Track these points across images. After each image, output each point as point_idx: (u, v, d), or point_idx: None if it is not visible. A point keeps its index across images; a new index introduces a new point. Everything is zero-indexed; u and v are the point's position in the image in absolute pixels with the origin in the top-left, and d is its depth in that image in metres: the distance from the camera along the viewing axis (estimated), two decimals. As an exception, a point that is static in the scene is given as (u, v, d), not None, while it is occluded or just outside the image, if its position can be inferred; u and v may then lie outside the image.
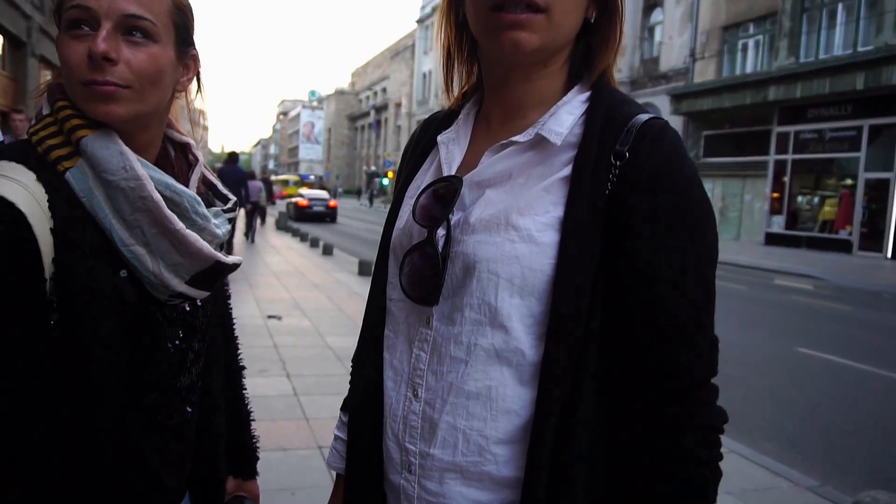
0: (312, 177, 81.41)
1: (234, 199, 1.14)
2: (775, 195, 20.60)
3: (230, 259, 1.04)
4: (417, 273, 0.90)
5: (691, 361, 0.81)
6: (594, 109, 0.87)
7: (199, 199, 1.00)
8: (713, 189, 23.74)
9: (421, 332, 0.91)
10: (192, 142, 1.11)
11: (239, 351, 1.34)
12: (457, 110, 1.03)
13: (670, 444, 0.80)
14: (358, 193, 74.49)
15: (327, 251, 14.23)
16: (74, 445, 0.90)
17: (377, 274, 1.03)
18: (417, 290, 0.90)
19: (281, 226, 21.62)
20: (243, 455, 1.32)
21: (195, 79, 1.06)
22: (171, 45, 0.96)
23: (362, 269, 11.12)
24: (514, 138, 0.89)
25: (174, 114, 1.08)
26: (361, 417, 1.00)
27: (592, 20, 0.90)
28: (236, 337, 1.34)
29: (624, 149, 0.82)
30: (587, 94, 0.91)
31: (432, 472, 0.89)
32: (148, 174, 0.92)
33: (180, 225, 0.93)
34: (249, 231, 15.61)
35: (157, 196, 0.91)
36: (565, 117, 0.88)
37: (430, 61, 54.34)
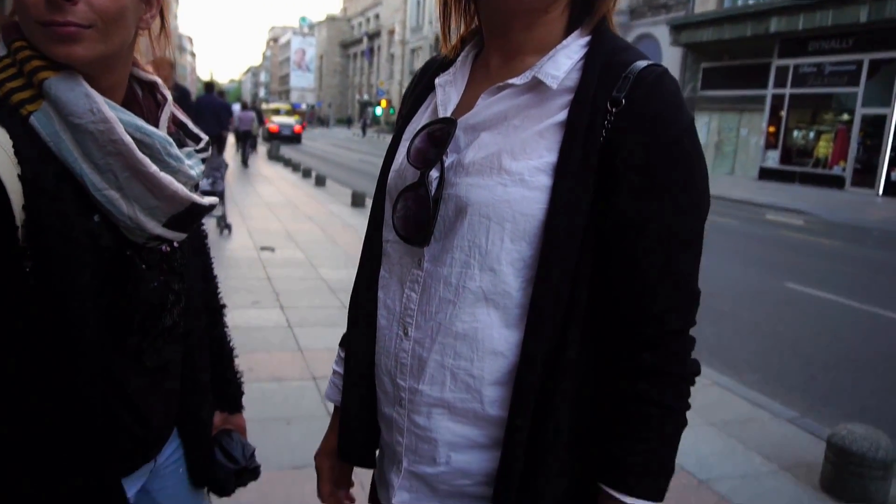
0: (304, 105, 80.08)
1: (205, 138, 1.12)
2: (771, 129, 20.45)
3: (206, 200, 1.03)
4: (410, 214, 0.91)
5: (669, 311, 0.84)
6: (593, 55, 0.86)
7: (171, 140, 0.98)
8: (709, 123, 23.56)
9: (413, 273, 0.93)
10: (158, 80, 1.07)
11: (219, 290, 1.35)
12: (455, 56, 1.01)
13: (640, 388, 0.84)
14: (348, 122, 73.44)
15: (320, 182, 14.15)
16: (59, 388, 0.89)
17: (374, 213, 1.04)
18: (409, 231, 0.91)
19: (272, 155, 21.39)
20: (228, 390, 1.35)
21: (158, 15, 1.02)
22: None
23: (355, 201, 11.08)
24: (510, 80, 0.89)
25: (139, 51, 1.03)
26: (357, 353, 1.03)
27: None
28: (215, 276, 1.35)
29: (620, 95, 0.81)
30: (587, 38, 0.89)
31: (421, 407, 0.91)
32: (117, 116, 0.89)
33: (154, 168, 0.91)
34: (245, 158, 17.44)
35: (128, 139, 0.88)
36: (563, 61, 0.87)
37: (425, -14, 52.64)
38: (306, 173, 15.69)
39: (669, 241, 0.82)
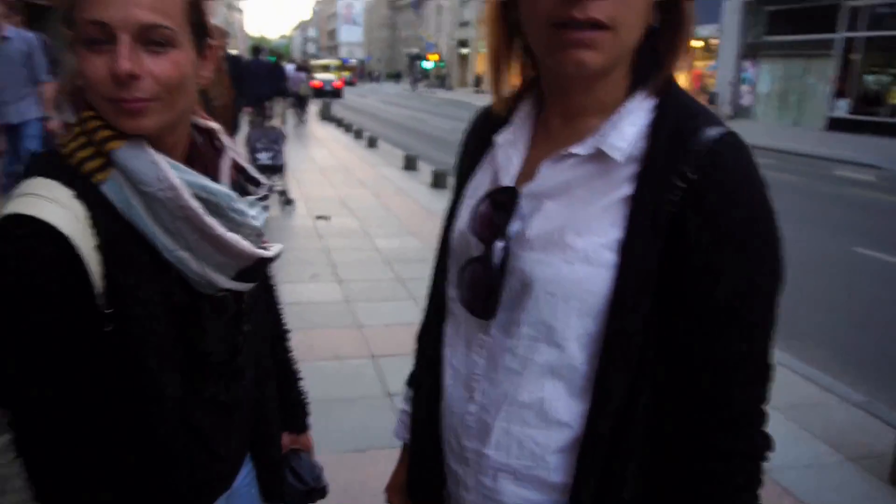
0: (353, 60, 79.84)
1: (266, 183, 1.14)
2: (841, 77, 19.38)
3: (272, 252, 1.05)
4: (475, 286, 0.91)
5: (743, 391, 0.81)
6: (659, 122, 0.82)
7: (234, 194, 0.99)
8: (773, 71, 22.49)
9: (479, 338, 0.94)
10: (216, 126, 1.08)
11: (283, 315, 1.39)
12: (510, 110, 0.98)
13: (710, 467, 0.82)
14: (397, 77, 73.05)
15: (372, 143, 14.18)
16: (142, 439, 0.94)
17: (439, 263, 1.07)
18: (475, 304, 0.92)
19: (325, 116, 21.50)
20: (295, 411, 1.40)
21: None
22: (190, 44, 0.92)
23: (408, 164, 11.09)
24: (573, 149, 0.86)
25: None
26: (423, 402, 1.06)
27: (657, 25, 0.84)
28: (279, 303, 1.38)
29: (690, 169, 0.77)
30: (652, 102, 0.85)
31: (487, 469, 0.93)
32: (182, 178, 0.91)
33: (221, 230, 0.93)
34: (301, 119, 18.65)
35: (195, 203, 0.90)
36: (628, 129, 0.83)
37: (474, -67, 51.18)
38: (358, 134, 15.75)
39: (742, 320, 0.79)
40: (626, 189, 0.82)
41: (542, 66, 0.90)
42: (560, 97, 0.90)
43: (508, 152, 0.94)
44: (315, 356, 3.80)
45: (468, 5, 53.70)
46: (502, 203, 0.89)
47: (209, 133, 1.08)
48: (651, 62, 0.85)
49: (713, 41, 24.15)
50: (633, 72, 0.86)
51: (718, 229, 0.77)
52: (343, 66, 70.24)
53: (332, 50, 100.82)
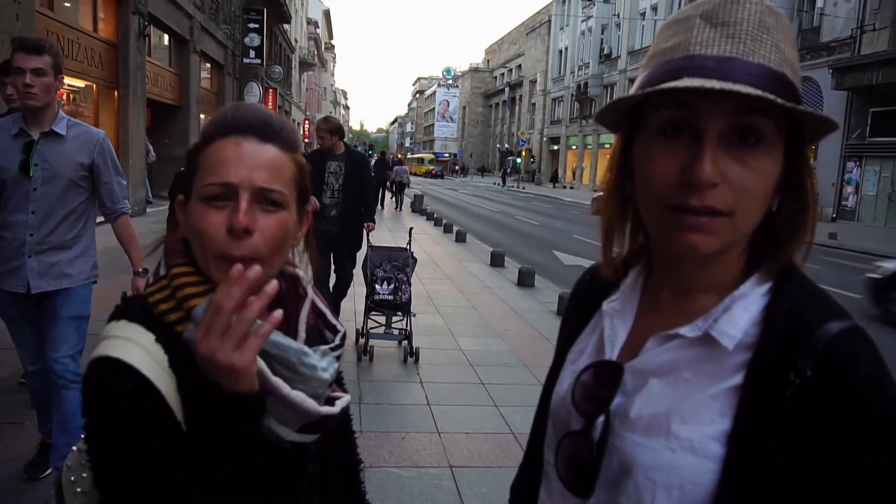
0: (447, 154, 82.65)
1: (342, 330, 1.16)
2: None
3: (336, 409, 1.06)
4: (573, 461, 0.88)
5: None
6: (775, 309, 0.77)
7: (306, 348, 1.01)
8: (880, 172, 21.59)
9: None
10: (301, 274, 1.14)
11: (356, 445, 1.37)
12: (617, 275, 0.97)
13: None
14: (482, 171, 75.22)
15: (460, 238, 14.41)
16: None
17: (538, 421, 1.05)
18: (572, 479, 0.88)
19: (416, 208, 22.16)
20: None
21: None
22: (294, 207, 1.00)
23: (494, 261, 11.16)
24: (681, 331, 0.82)
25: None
26: None
27: (775, 209, 0.80)
28: (353, 431, 1.36)
29: (806, 367, 0.71)
30: (768, 285, 0.80)
31: None
32: None
33: (286, 390, 0.95)
34: (398, 203, 23.56)
35: (263, 366, 0.93)
36: (741, 315, 0.79)
37: (567, 37, 53.12)
38: (448, 228, 16.08)
39: None
40: (737, 378, 0.77)
41: (653, 241, 0.88)
42: (670, 271, 0.87)
43: (614, 322, 0.92)
44: (395, 462, 3.73)
45: (559, 103, 55.06)
46: (606, 376, 0.87)
47: (294, 280, 1.13)
48: (769, 242, 0.81)
49: (813, 142, 23.51)
50: (749, 251, 0.82)
51: (839, 434, 0.70)
52: (436, 160, 72.83)
53: (428, 143, 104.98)
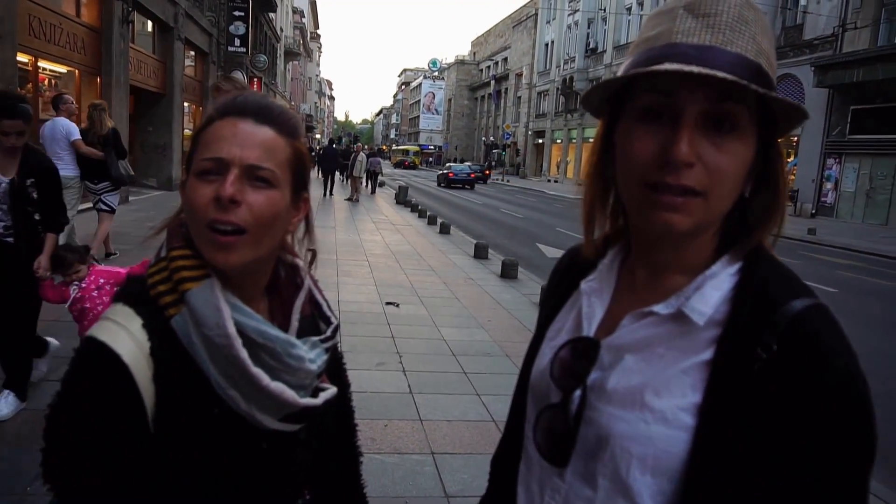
0: (432, 147, 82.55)
1: (335, 323, 1.17)
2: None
3: (319, 401, 1.07)
4: (551, 432, 0.92)
5: None
6: (743, 288, 0.82)
7: (294, 341, 1.03)
8: (859, 169, 21.88)
9: (554, 482, 0.93)
10: (300, 264, 1.16)
11: (357, 438, 1.38)
12: (598, 255, 1.01)
13: None
14: (460, 161, 75.42)
15: (444, 230, 14.46)
16: None
17: (517, 397, 1.08)
18: (549, 450, 0.92)
19: (401, 200, 22.15)
20: None
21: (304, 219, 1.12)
22: (287, 189, 1.02)
23: (478, 253, 11.21)
24: (655, 308, 0.86)
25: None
26: None
27: (747, 195, 0.85)
28: (355, 424, 1.37)
29: (772, 342, 0.75)
30: (738, 265, 0.85)
31: None
32: (243, 322, 0.97)
33: (266, 380, 0.97)
34: (373, 188, 26.27)
35: (244, 355, 0.95)
36: (711, 293, 0.83)
37: (553, 31, 53.13)
38: (432, 220, 16.12)
39: (828, 499, 0.74)
40: (708, 353, 0.81)
41: (631, 221, 0.92)
42: (647, 251, 0.91)
43: (592, 301, 0.96)
44: (377, 449, 3.79)
45: (545, 97, 55.14)
46: (583, 351, 0.91)
47: (293, 269, 1.15)
48: (740, 226, 0.86)
49: (792, 138, 23.81)
50: (721, 234, 0.87)
51: (801, 405, 0.74)
52: (421, 151, 72.70)
53: (413, 136, 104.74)
